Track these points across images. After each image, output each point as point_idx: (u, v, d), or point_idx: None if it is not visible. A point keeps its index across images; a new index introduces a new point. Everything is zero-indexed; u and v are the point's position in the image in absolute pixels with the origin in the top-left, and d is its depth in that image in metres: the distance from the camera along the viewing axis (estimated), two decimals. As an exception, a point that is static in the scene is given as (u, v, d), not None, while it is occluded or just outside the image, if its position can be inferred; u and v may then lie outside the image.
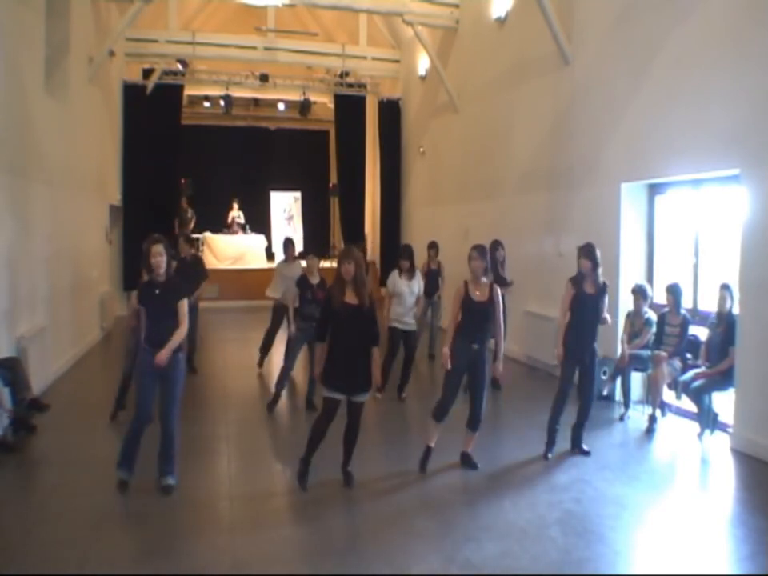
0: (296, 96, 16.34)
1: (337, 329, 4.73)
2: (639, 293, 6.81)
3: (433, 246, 9.33)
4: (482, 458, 5.37)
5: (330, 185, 18.37)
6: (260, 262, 15.70)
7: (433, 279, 9.13)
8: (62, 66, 8.92)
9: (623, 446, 6.06)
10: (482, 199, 10.89)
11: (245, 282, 14.64)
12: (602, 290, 5.56)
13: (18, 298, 6.92)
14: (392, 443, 6.14)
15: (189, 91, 15.98)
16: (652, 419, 6.37)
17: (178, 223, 15.44)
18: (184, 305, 4.80)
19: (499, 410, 7.18)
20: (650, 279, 7.42)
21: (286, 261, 8.50)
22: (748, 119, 5.66)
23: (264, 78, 14.73)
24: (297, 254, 8.66)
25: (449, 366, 5.11)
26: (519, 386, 8.26)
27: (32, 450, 5.78)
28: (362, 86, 15.76)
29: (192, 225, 16.63)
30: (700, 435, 6.06)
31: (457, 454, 5.39)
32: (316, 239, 19.18)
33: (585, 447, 5.66)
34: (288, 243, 8.50)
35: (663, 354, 6.47)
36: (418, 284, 7.36)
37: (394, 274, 7.36)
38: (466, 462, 5.34)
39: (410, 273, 7.31)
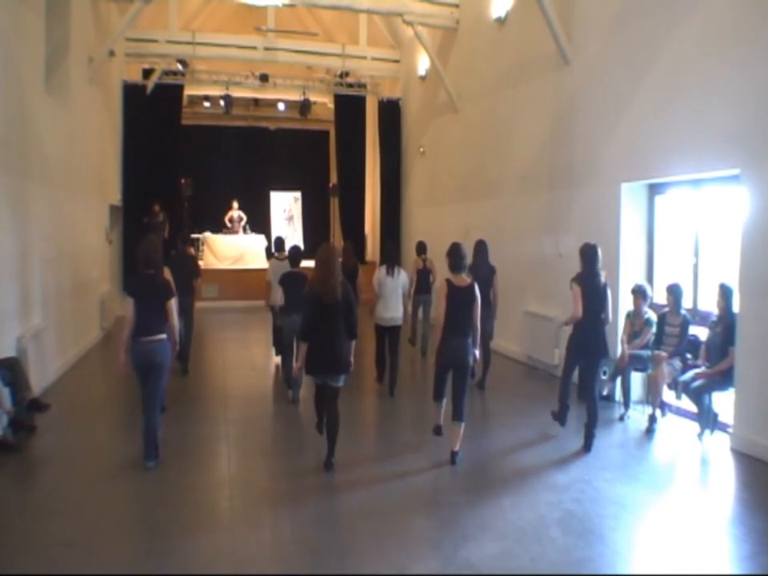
0: (296, 96, 16.34)
1: (316, 319, 5.11)
2: (639, 293, 6.80)
3: (420, 247, 9.53)
4: (482, 458, 5.38)
5: (330, 185, 18.36)
6: (260, 262, 15.68)
7: (424, 278, 9.33)
8: (62, 66, 8.91)
9: (623, 446, 6.06)
10: (482, 199, 10.88)
11: (245, 282, 14.64)
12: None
13: (18, 297, 6.92)
14: (388, 442, 6.14)
15: (189, 91, 15.99)
16: (652, 419, 6.37)
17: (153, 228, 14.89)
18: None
19: (499, 410, 7.18)
20: (650, 279, 7.41)
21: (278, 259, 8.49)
22: (748, 119, 5.65)
23: (264, 78, 14.74)
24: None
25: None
26: (519, 386, 8.26)
27: (32, 449, 5.78)
28: (362, 86, 15.77)
29: (166, 230, 16.05)
30: (700, 435, 6.05)
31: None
32: (316, 239, 19.18)
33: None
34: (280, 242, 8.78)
35: (663, 354, 6.46)
36: (401, 281, 7.62)
37: (381, 269, 7.62)
38: (453, 460, 5.36)
39: (394, 269, 7.57)
